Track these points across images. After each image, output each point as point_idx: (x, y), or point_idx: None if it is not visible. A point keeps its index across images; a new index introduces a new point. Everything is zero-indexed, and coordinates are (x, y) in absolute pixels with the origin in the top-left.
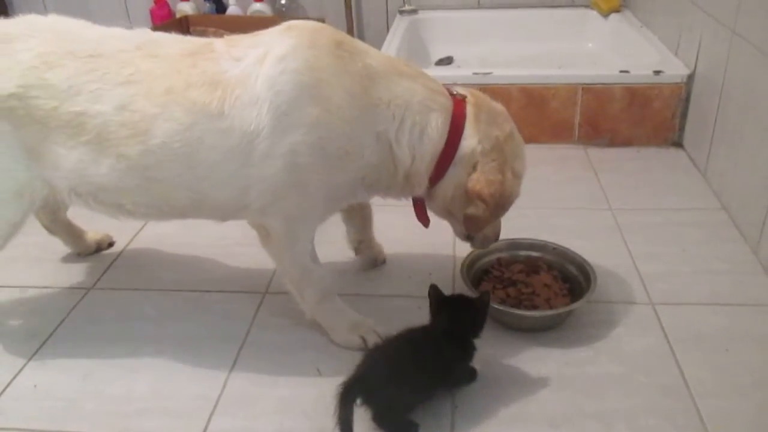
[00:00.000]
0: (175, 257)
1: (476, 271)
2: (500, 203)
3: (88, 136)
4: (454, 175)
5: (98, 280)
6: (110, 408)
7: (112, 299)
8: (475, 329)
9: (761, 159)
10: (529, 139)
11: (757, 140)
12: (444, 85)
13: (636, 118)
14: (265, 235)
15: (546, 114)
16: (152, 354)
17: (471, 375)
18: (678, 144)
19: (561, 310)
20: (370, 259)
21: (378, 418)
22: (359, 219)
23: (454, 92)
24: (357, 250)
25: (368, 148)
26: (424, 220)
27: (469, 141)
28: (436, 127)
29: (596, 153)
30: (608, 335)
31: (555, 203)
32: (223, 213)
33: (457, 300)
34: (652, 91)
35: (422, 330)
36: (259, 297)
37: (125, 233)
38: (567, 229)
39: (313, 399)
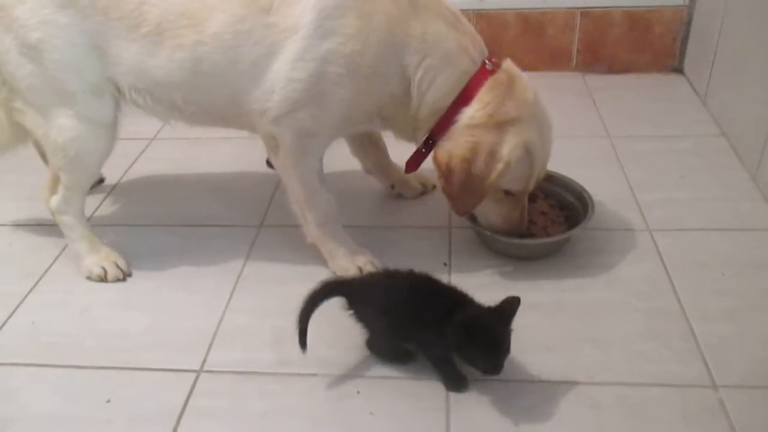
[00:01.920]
0: (167, 193)
1: None
2: (468, 183)
3: (149, 27)
4: (448, 139)
5: (90, 216)
6: (108, 343)
7: (104, 235)
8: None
9: (762, 85)
10: (527, 67)
11: (759, 66)
12: (491, 58)
13: (636, 44)
14: (274, 148)
15: (543, 41)
16: (148, 290)
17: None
18: (678, 70)
19: (558, 237)
20: (411, 187)
21: (370, 344)
22: (370, 145)
23: (489, 62)
24: (376, 174)
25: (394, 77)
26: (411, 168)
27: (469, 111)
28: (445, 83)
29: (595, 80)
30: (605, 262)
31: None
32: (250, 118)
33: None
34: (652, 15)
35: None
36: (255, 230)
37: (116, 169)
38: (565, 158)
39: (310, 329)
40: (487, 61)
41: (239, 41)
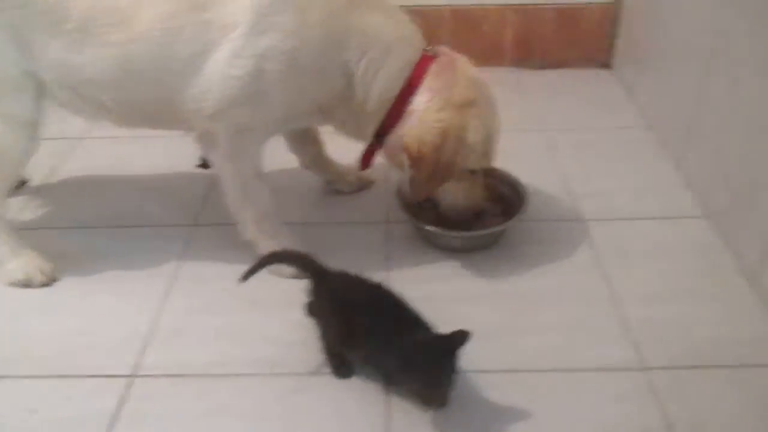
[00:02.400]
0: (96, 193)
1: None
2: (437, 168)
3: (73, 24)
4: (400, 131)
5: (12, 220)
6: (35, 350)
7: (28, 239)
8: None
9: (685, 79)
10: None
11: (682, 60)
12: (430, 45)
13: (566, 40)
14: (210, 143)
15: (477, 36)
16: (76, 295)
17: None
18: (607, 65)
19: (494, 229)
20: (348, 182)
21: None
22: (308, 140)
23: (429, 48)
24: (314, 169)
25: (336, 72)
26: (363, 165)
27: (420, 98)
28: (389, 73)
29: (528, 75)
30: (540, 252)
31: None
32: (185, 117)
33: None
34: (582, 11)
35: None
36: (188, 230)
37: (41, 170)
38: (500, 151)
39: (249, 328)
40: (427, 48)
41: (171, 39)
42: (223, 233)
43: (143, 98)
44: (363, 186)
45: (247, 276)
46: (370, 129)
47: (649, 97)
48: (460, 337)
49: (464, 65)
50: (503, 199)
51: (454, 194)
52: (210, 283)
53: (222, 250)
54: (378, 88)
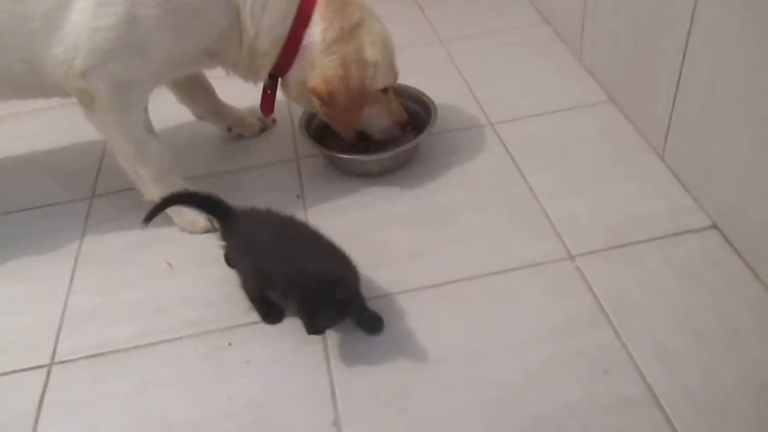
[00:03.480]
0: None
1: (316, 126)
2: (350, 98)
3: None
4: (300, 68)
5: None
6: None
7: None
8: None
9: None
10: None
11: None
12: None
13: None
14: (88, 104)
15: None
16: None
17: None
18: None
19: (408, 145)
20: (249, 125)
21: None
22: (197, 88)
23: None
24: (210, 118)
25: (219, 10)
26: (266, 109)
27: (313, 31)
28: (278, 5)
29: None
30: (455, 162)
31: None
32: (55, 81)
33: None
34: None
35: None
36: (87, 203)
37: None
38: (402, 68)
39: (168, 293)
40: None
41: None
42: (123, 200)
43: (5, 66)
44: (266, 126)
45: (148, 218)
46: (266, 68)
47: None
48: (342, 288)
49: None
50: (413, 115)
51: (377, 117)
52: (118, 254)
53: (125, 218)
54: (268, 22)
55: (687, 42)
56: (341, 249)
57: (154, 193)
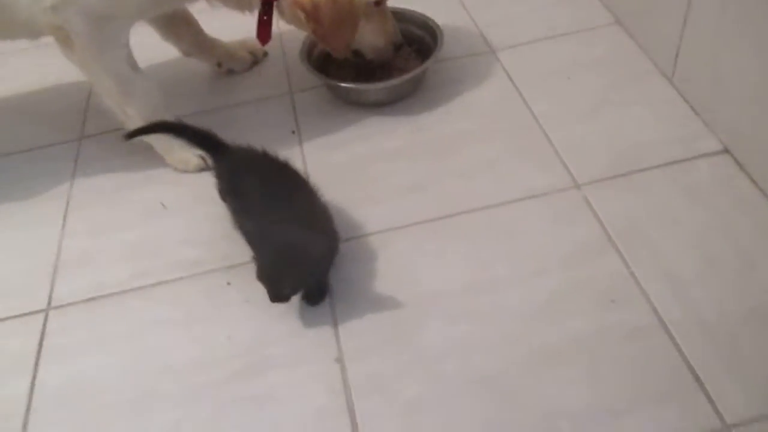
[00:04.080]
0: None
1: (318, 56)
2: (338, 12)
3: None
4: None
5: None
6: None
7: None
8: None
9: None
10: None
11: None
12: None
13: None
14: (65, 41)
15: None
16: None
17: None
18: None
19: (416, 71)
20: (240, 59)
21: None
22: (181, 24)
23: None
24: (197, 55)
25: None
26: (263, 37)
27: None
28: None
29: None
30: (456, 92)
31: None
32: (25, 18)
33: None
34: None
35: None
36: (75, 144)
37: None
38: None
39: (163, 234)
40: None
41: None
42: (113, 141)
43: None
44: (257, 60)
45: (131, 135)
46: None
47: None
48: (316, 246)
49: None
50: (418, 41)
51: (371, 34)
52: (110, 196)
53: (116, 159)
54: None
55: None
56: (327, 211)
57: None
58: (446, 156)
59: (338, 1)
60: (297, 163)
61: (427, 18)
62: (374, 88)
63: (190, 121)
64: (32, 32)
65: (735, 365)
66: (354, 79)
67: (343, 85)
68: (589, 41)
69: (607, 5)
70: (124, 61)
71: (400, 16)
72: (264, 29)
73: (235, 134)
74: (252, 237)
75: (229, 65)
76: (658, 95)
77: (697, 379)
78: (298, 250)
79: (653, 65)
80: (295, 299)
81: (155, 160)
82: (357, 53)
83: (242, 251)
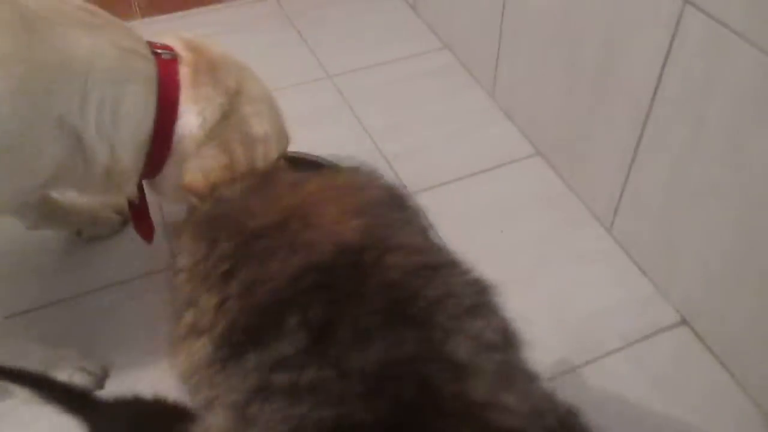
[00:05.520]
0: None
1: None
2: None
3: None
4: (176, 164)
5: None
6: None
7: None
8: None
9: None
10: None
11: None
12: (152, 43)
13: None
14: None
15: None
16: None
17: None
18: None
19: None
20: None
21: None
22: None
23: (160, 49)
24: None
25: (48, 141)
26: (146, 232)
27: (188, 118)
28: (134, 105)
29: (292, 3)
30: None
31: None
32: None
33: None
34: None
35: None
36: None
37: None
38: (294, 114)
39: None
40: (158, 51)
41: None
42: None
43: None
44: (127, 219)
45: None
46: (132, 182)
47: (434, 12)
48: None
49: (208, 49)
50: None
51: None
52: None
53: None
54: (126, 131)
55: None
56: None
57: None
58: None
59: (238, 171)
60: None
61: (323, 159)
62: None
63: (35, 317)
64: None
65: None
66: None
67: None
68: (514, 175)
69: (527, 137)
70: None
71: (294, 161)
72: (143, 220)
73: (104, 340)
74: None
75: (91, 232)
76: (597, 248)
77: None
78: None
79: (587, 210)
80: None
81: None
82: None
83: None
